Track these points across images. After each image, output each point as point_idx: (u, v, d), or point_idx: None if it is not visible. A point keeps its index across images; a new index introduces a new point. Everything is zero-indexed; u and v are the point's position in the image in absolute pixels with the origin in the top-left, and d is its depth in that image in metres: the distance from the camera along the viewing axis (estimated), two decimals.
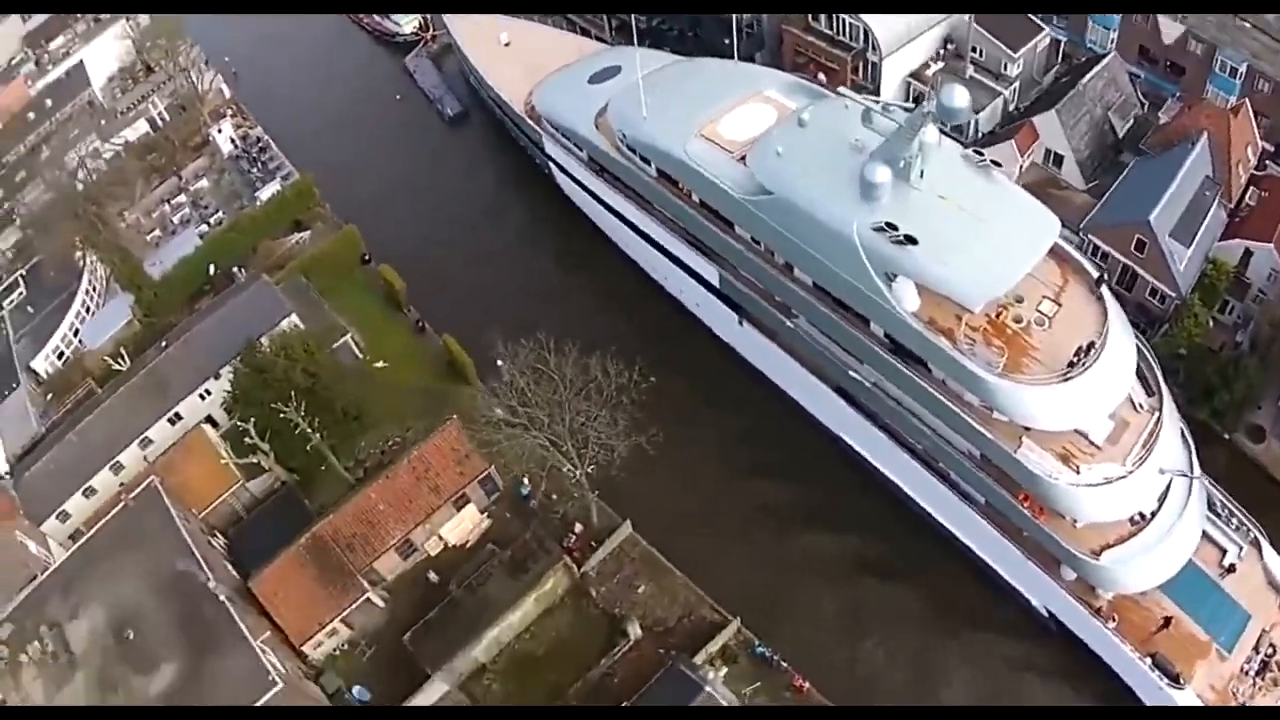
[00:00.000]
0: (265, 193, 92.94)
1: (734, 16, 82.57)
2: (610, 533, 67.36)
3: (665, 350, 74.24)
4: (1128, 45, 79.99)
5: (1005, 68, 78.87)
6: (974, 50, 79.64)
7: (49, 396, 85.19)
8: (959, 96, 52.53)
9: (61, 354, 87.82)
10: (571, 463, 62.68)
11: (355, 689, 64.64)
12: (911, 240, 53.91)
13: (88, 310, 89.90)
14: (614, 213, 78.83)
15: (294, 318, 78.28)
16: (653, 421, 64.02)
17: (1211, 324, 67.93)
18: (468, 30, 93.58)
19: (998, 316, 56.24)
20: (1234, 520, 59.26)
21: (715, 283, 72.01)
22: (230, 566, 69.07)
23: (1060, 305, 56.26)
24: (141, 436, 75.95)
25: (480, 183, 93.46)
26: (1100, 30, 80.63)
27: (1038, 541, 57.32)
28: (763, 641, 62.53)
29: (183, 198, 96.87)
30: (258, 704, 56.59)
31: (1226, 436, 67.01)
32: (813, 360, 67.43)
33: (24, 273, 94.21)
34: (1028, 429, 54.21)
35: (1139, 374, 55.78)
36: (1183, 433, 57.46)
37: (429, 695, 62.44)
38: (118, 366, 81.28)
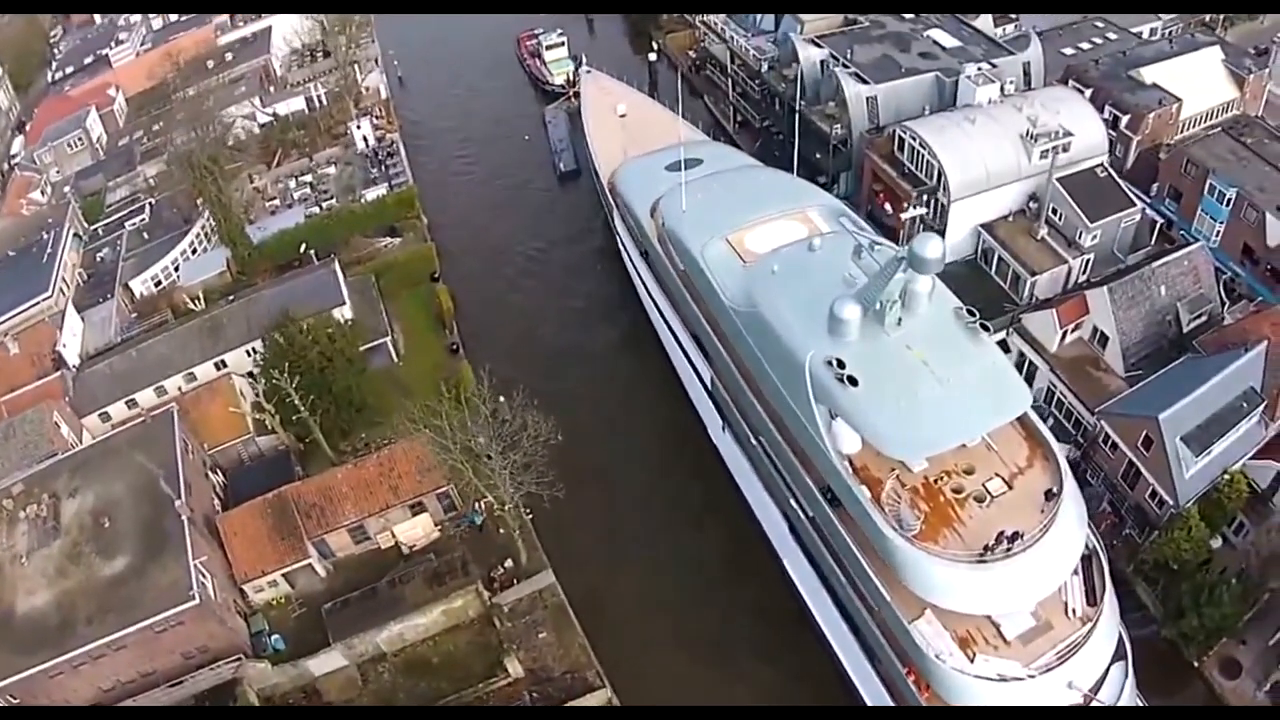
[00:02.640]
0: (371, 193, 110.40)
1: (831, 132, 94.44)
2: (533, 575, 78.46)
3: (668, 439, 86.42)
4: (1232, 241, 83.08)
5: (1080, 236, 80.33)
6: (1054, 213, 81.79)
7: (134, 315, 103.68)
8: (930, 248, 54.17)
9: (159, 282, 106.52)
10: (495, 496, 74.67)
11: (274, 636, 77.54)
12: (853, 381, 55.91)
13: (193, 251, 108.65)
14: (651, 298, 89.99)
15: (346, 309, 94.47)
16: (586, 484, 77.15)
17: (1220, 543, 69.15)
18: (594, 94, 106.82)
19: (935, 481, 57.62)
20: None
21: (708, 384, 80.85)
22: (218, 501, 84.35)
23: (1011, 488, 56.63)
24: (187, 370, 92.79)
25: (564, 239, 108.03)
26: (1208, 220, 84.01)
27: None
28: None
29: (308, 178, 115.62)
30: (171, 612, 71.04)
31: (1195, 664, 66.71)
32: (768, 482, 72.44)
33: (152, 201, 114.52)
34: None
35: (1089, 581, 56.40)
36: (1123, 649, 57.26)
37: (324, 662, 74.82)
38: (192, 306, 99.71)
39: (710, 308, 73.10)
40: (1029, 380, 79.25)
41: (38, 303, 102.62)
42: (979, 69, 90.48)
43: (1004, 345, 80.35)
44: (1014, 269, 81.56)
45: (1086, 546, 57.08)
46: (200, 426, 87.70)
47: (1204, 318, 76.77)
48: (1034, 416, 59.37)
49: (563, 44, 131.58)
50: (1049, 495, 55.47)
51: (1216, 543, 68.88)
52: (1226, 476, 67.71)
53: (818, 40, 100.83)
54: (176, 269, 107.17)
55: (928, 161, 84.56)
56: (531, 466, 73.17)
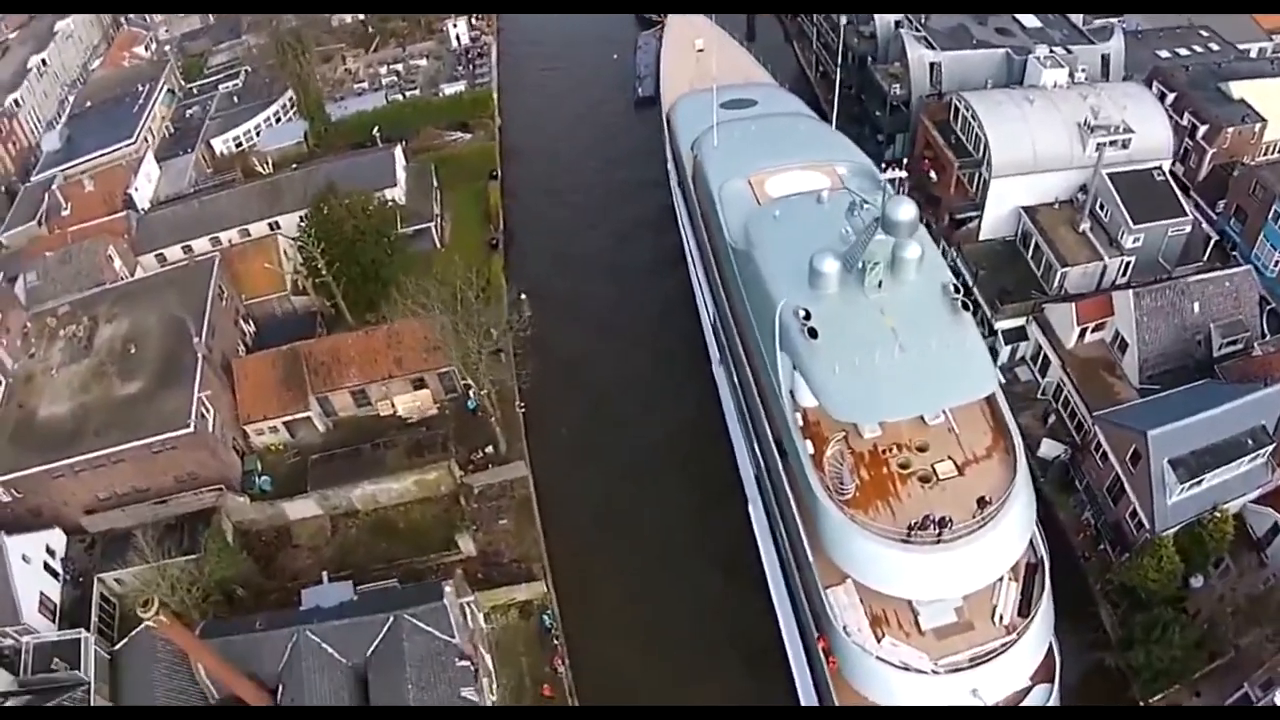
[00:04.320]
0: (450, 89, 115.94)
1: (890, 91, 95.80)
2: (509, 464, 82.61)
3: (675, 369, 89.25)
4: None
5: (1122, 236, 78.92)
6: (1101, 209, 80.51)
7: (210, 170, 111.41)
8: (903, 211, 54.37)
9: (239, 143, 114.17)
10: (472, 378, 79.24)
11: (263, 477, 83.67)
12: (813, 334, 54.85)
13: (276, 119, 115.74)
14: (682, 229, 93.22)
15: (398, 191, 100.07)
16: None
17: (1201, 583, 66.05)
18: (678, 26, 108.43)
19: (884, 452, 56.84)
20: None
21: (711, 319, 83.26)
22: (244, 348, 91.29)
23: (962, 474, 55.17)
24: (242, 226, 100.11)
25: (623, 160, 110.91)
26: (1268, 248, 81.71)
27: (827, 691, 57.68)
28: (553, 616, 73.50)
29: (399, 66, 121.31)
30: (167, 436, 77.81)
31: (1141, 704, 63.24)
32: (744, 425, 73.83)
33: (248, 69, 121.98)
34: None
35: (1026, 590, 54.61)
36: (1051, 671, 55.60)
37: (299, 508, 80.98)
38: (261, 169, 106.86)
39: (716, 243, 74.62)
40: (1041, 372, 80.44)
41: (120, 148, 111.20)
42: (1050, 51, 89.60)
43: (1022, 332, 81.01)
44: (1048, 257, 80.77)
45: (1034, 554, 55.85)
46: (243, 278, 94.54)
47: (1239, 345, 74.36)
48: (1004, 407, 57.58)
49: None
50: (981, 503, 52.99)
51: (1198, 581, 66.13)
52: (1216, 513, 64.92)
53: None
54: (258, 134, 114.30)
55: (976, 134, 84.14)
56: (511, 360, 78.42)
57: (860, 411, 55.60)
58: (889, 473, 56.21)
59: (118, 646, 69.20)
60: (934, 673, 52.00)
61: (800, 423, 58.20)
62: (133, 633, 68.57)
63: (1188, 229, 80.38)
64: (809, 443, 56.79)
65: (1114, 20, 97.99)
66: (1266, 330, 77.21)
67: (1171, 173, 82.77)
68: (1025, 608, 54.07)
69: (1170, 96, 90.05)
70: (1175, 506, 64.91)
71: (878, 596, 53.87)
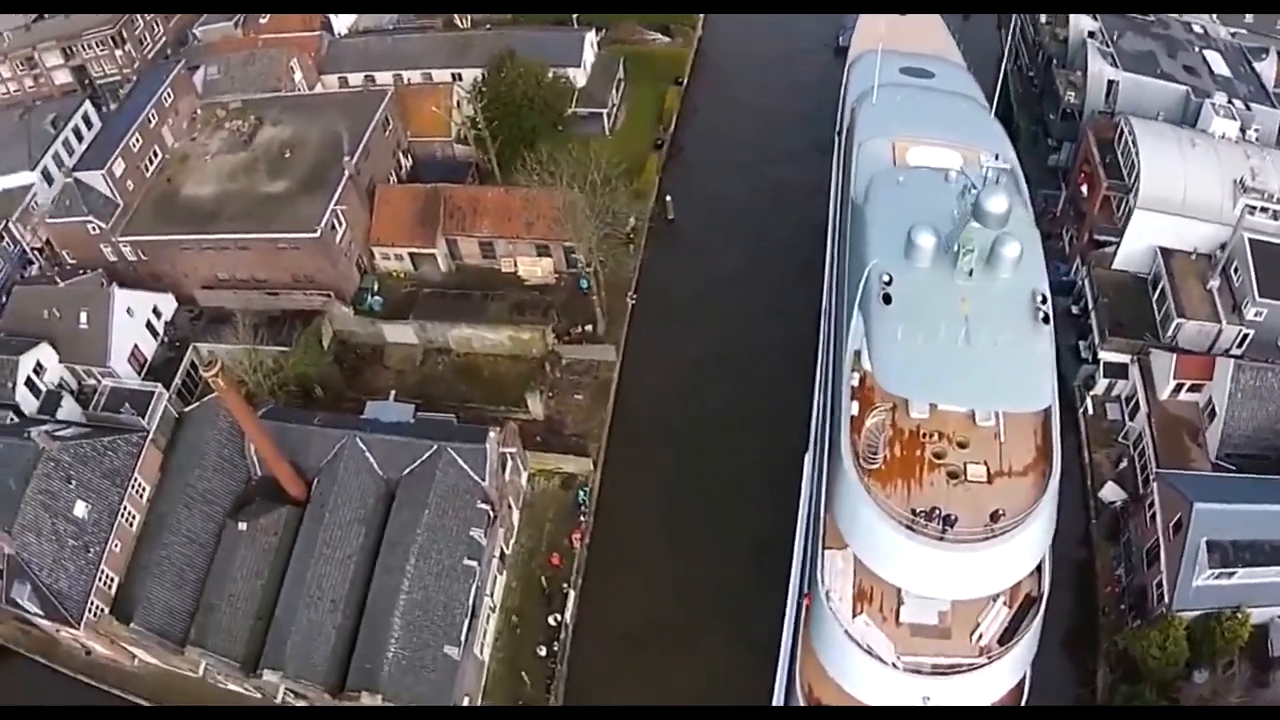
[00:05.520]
0: None
1: (1065, 98, 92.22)
2: (600, 346, 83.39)
3: (792, 312, 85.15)
4: None
5: (1245, 305, 74.68)
6: (1235, 271, 75.99)
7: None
8: (993, 202, 54.37)
9: None
10: (586, 257, 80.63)
11: (376, 297, 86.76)
12: (887, 299, 55.18)
13: None
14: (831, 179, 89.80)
15: (579, 73, 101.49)
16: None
17: (1205, 678, 61.11)
18: None
19: (924, 436, 55.57)
20: None
21: (826, 265, 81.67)
22: (395, 178, 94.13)
23: (989, 483, 53.33)
24: (426, 70, 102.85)
25: (802, 106, 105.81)
26: None
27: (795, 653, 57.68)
28: (587, 494, 75.25)
29: None
30: (293, 236, 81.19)
31: None
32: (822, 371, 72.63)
33: None
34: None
35: (1015, 621, 52.43)
36: (1015, 705, 54.00)
37: (397, 332, 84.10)
38: (459, 24, 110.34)
39: (845, 196, 73.39)
40: (1130, 415, 77.01)
41: None
42: (1229, 100, 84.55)
43: (1124, 370, 77.80)
44: (1169, 304, 77.12)
45: (1038, 587, 53.32)
46: (412, 116, 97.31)
47: None
48: (1056, 431, 54.64)
49: None
50: (995, 516, 50.79)
51: (1202, 676, 60.98)
52: (1237, 614, 60.59)
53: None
54: None
55: (1132, 160, 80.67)
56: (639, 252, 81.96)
57: (904, 385, 54.71)
58: (920, 457, 54.80)
59: (188, 409, 73.47)
60: (893, 666, 50.72)
61: (855, 383, 57.33)
62: (204, 399, 72.82)
63: None
64: (856, 404, 56.13)
65: None
66: None
67: None
68: (1007, 636, 51.82)
69: None
70: (1199, 590, 61.29)
71: (870, 574, 52.59)
